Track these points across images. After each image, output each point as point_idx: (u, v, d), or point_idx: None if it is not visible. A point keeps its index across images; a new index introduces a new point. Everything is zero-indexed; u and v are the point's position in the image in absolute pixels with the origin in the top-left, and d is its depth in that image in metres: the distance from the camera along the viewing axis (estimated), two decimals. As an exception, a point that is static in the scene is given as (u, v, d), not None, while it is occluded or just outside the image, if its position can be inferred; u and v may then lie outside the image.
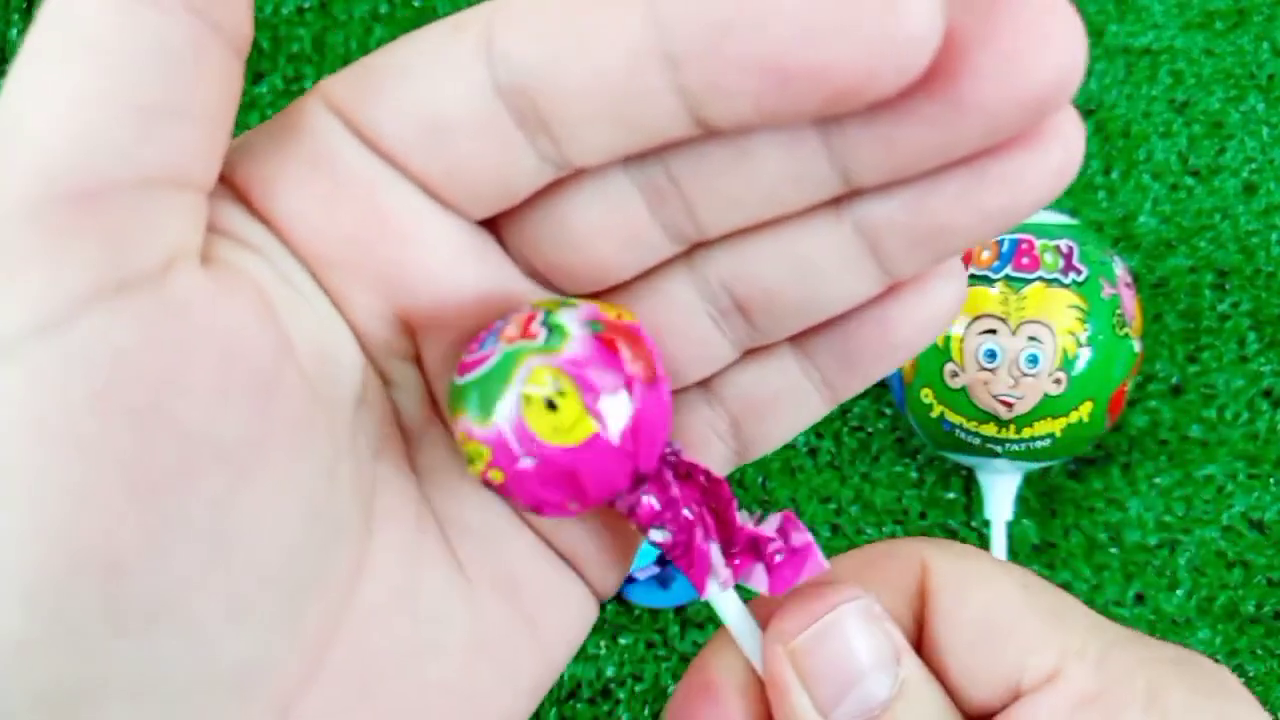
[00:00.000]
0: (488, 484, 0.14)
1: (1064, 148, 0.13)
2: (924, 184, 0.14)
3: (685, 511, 0.15)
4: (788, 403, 0.17)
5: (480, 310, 0.15)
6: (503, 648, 0.16)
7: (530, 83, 0.13)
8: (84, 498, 0.11)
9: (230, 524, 0.12)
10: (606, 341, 0.14)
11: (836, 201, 0.14)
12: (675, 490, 0.15)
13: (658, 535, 0.15)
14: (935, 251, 0.14)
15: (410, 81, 0.14)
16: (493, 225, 0.15)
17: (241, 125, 0.42)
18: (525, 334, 0.14)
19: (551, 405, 0.13)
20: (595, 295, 0.16)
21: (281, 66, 0.43)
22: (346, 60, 0.43)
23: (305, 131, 0.14)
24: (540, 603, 0.16)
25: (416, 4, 0.44)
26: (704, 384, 0.17)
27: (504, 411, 0.14)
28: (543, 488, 0.14)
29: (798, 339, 0.16)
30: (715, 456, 0.17)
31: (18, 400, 0.11)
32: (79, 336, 0.11)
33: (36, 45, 0.12)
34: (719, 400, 0.17)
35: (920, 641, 0.16)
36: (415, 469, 0.16)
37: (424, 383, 0.16)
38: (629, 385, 0.14)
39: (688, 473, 0.15)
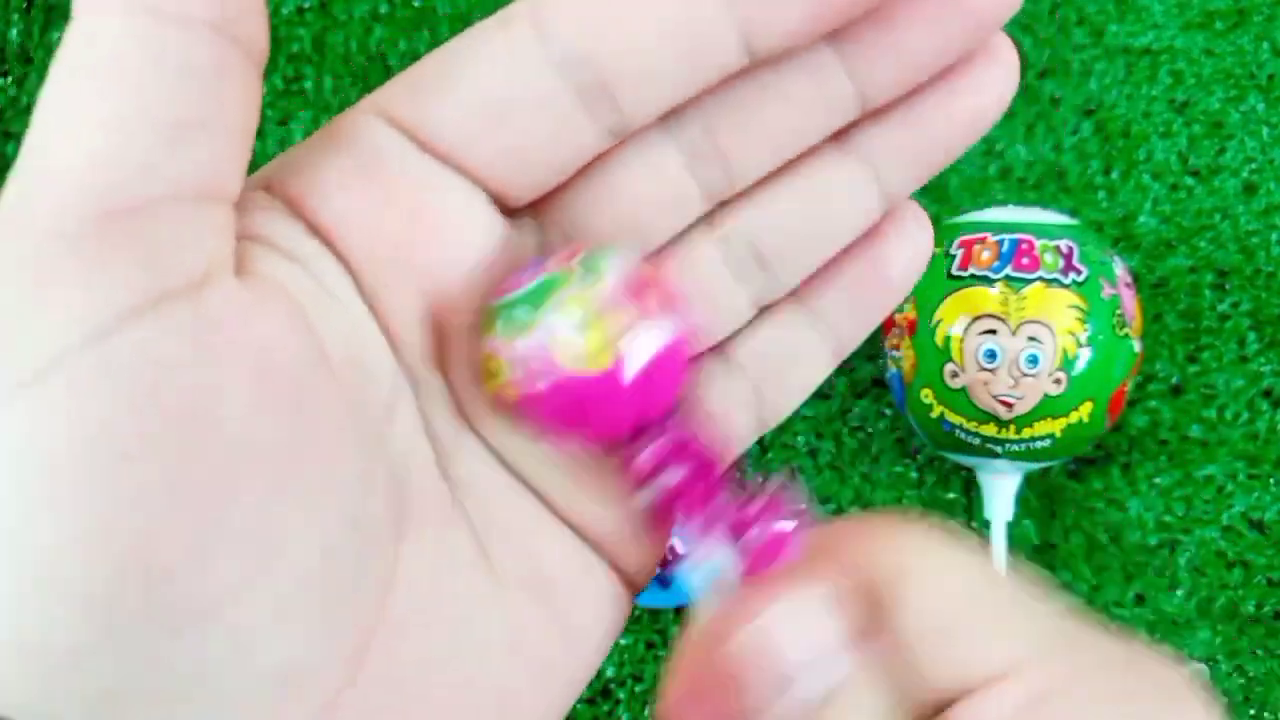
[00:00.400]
0: (501, 401, 0.15)
1: (1005, 60, 0.16)
2: (912, 102, 0.16)
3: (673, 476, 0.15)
4: (801, 361, 0.18)
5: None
6: (537, 648, 0.16)
7: (589, 47, 0.14)
8: (129, 504, 0.11)
9: (272, 528, 0.13)
10: (639, 286, 0.14)
11: (839, 137, 0.16)
12: (668, 452, 0.15)
13: (644, 496, 0.15)
14: (924, 167, 0.17)
15: (464, 74, 0.14)
16: (533, 205, 0.16)
17: (241, 125, 0.42)
18: (565, 267, 0.15)
19: (577, 333, 0.14)
20: None
21: (281, 66, 0.43)
22: (347, 60, 0.43)
23: (355, 139, 0.15)
24: (573, 601, 0.16)
25: (416, 4, 0.44)
26: (721, 352, 0.18)
27: (531, 333, 0.14)
28: (552, 412, 0.15)
29: (802, 295, 0.18)
30: (740, 429, 0.18)
31: (63, 411, 0.11)
32: (121, 349, 0.11)
33: (64, 67, 0.12)
34: (739, 367, 0.18)
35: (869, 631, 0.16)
36: (445, 474, 0.16)
37: (449, 388, 0.16)
38: (652, 330, 0.14)
39: (689, 447, 0.15)
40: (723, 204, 0.17)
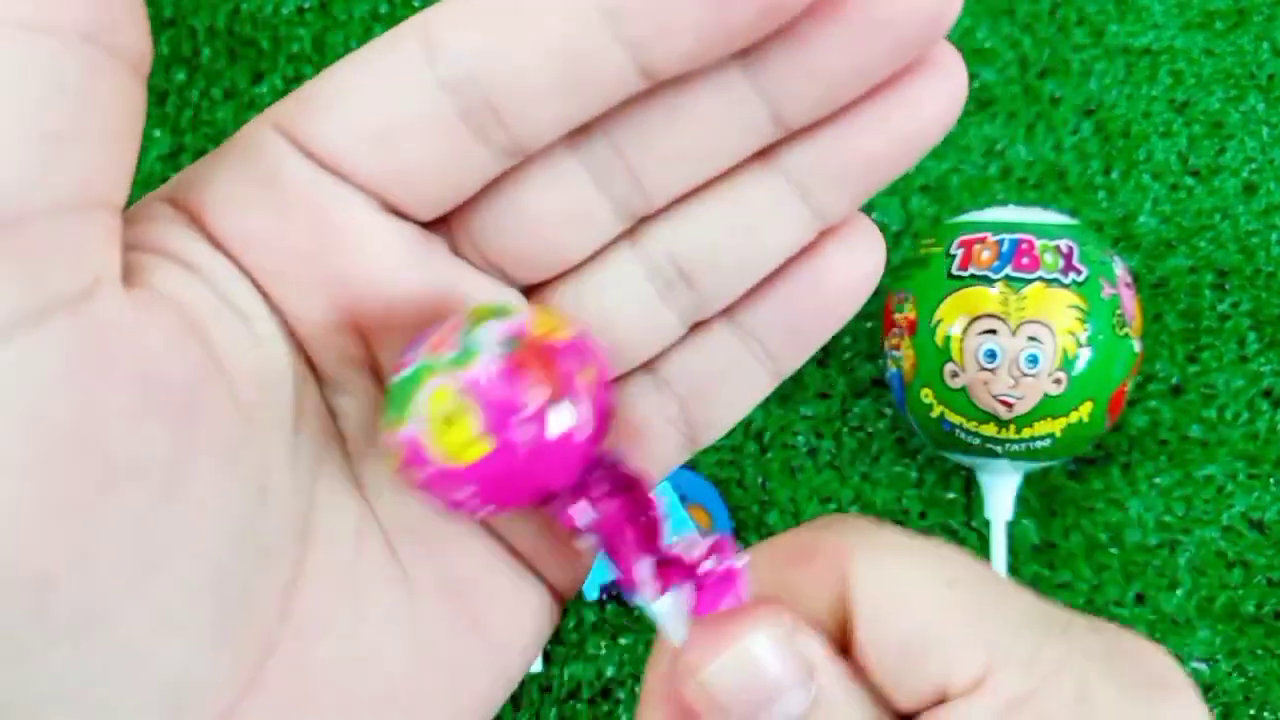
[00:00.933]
0: (402, 482, 0.15)
1: (950, 75, 0.15)
2: (841, 120, 0.15)
3: (606, 517, 0.15)
4: (733, 380, 0.17)
5: (431, 313, 0.15)
6: (451, 653, 0.16)
7: (477, 71, 0.14)
8: (9, 514, 0.11)
9: (155, 539, 0.13)
10: (515, 364, 0.14)
11: (765, 155, 0.16)
12: (598, 502, 0.15)
13: (584, 542, 0.15)
14: (858, 186, 0.16)
15: (355, 93, 0.14)
16: (443, 221, 0.16)
17: (242, 124, 0.42)
18: (440, 347, 0.14)
19: (448, 423, 0.14)
20: (546, 283, 0.16)
21: (281, 66, 0.43)
22: (346, 60, 0.43)
23: (253, 152, 0.15)
24: (492, 606, 0.16)
25: (416, 4, 0.44)
26: (651, 369, 0.17)
27: (404, 426, 0.14)
28: (447, 494, 0.14)
29: (736, 314, 0.17)
30: (669, 444, 0.18)
31: None
32: (6, 365, 0.11)
33: None
34: (666, 385, 0.17)
35: (847, 643, 0.16)
36: (361, 476, 0.16)
37: (375, 388, 0.16)
38: (527, 410, 0.14)
39: (621, 484, 0.15)
40: (644, 220, 0.16)
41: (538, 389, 0.14)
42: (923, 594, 0.15)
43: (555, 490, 0.15)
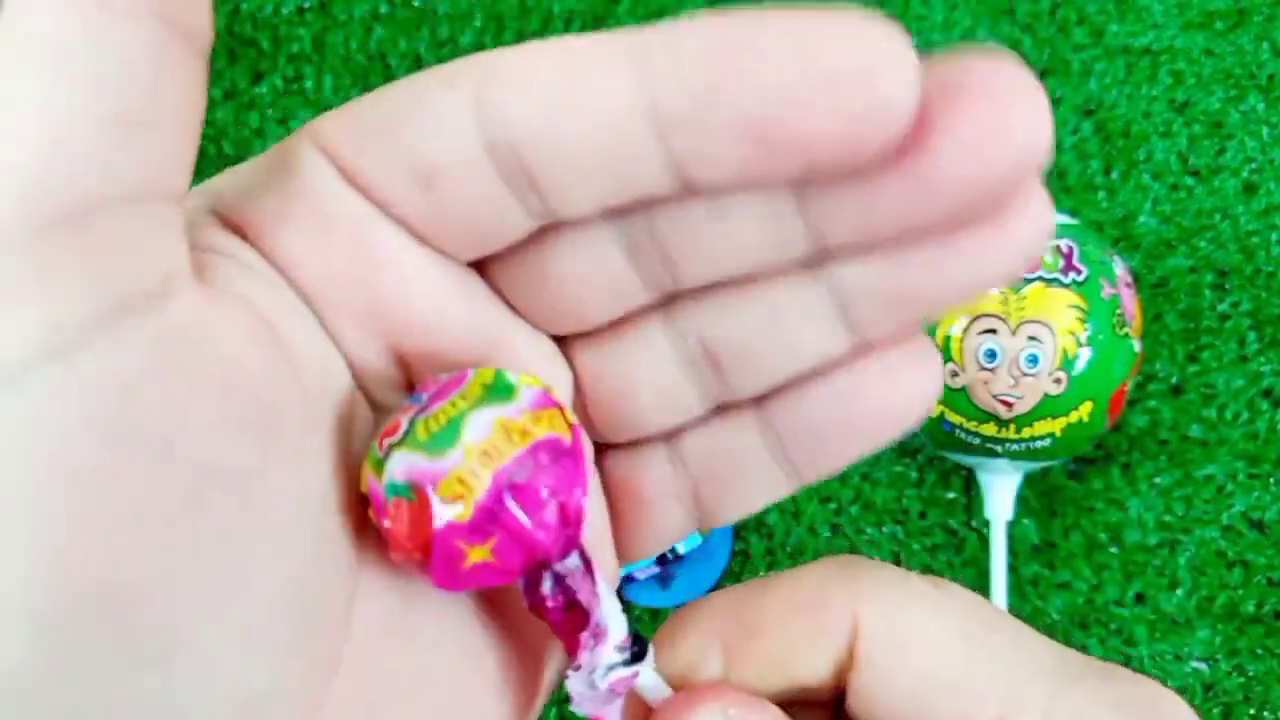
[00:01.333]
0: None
1: (1031, 224, 0.14)
2: (894, 253, 0.14)
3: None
4: (749, 475, 0.17)
5: (471, 346, 0.15)
6: (496, 664, 0.16)
7: (520, 141, 0.13)
8: (94, 528, 0.11)
9: (241, 553, 0.12)
10: (509, 438, 0.14)
11: (811, 263, 0.15)
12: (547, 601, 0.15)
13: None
14: (903, 318, 0.15)
15: (400, 128, 0.14)
16: (479, 266, 0.15)
17: (242, 124, 0.42)
18: (431, 408, 0.14)
19: (435, 486, 0.13)
20: (574, 335, 0.16)
21: (281, 66, 0.43)
22: (347, 60, 0.43)
23: (296, 173, 0.14)
24: (528, 619, 0.16)
25: (416, 4, 0.44)
26: (670, 440, 0.17)
27: (372, 491, 0.14)
28: (434, 573, 0.14)
29: (764, 409, 0.16)
30: (673, 520, 0.17)
31: (23, 431, 0.11)
32: (84, 366, 0.11)
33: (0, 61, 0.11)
34: (681, 460, 0.17)
35: (848, 695, 0.15)
36: None
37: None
38: (516, 480, 0.14)
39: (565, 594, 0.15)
40: (678, 297, 0.16)
41: (524, 466, 0.14)
42: (935, 640, 0.15)
43: (545, 562, 0.14)
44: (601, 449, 0.17)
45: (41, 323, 0.11)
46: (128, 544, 0.11)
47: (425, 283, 0.15)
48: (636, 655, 0.16)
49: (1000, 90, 0.12)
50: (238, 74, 0.43)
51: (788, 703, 0.16)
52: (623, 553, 0.18)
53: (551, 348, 0.16)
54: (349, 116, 0.14)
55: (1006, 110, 0.12)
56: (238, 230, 0.14)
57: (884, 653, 0.15)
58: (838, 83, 0.12)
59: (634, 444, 0.17)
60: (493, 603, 0.16)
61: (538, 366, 0.16)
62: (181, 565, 0.12)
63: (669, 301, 0.16)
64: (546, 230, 0.15)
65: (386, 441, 0.14)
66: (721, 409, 0.16)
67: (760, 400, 0.16)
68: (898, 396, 0.16)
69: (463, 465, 0.13)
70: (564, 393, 0.16)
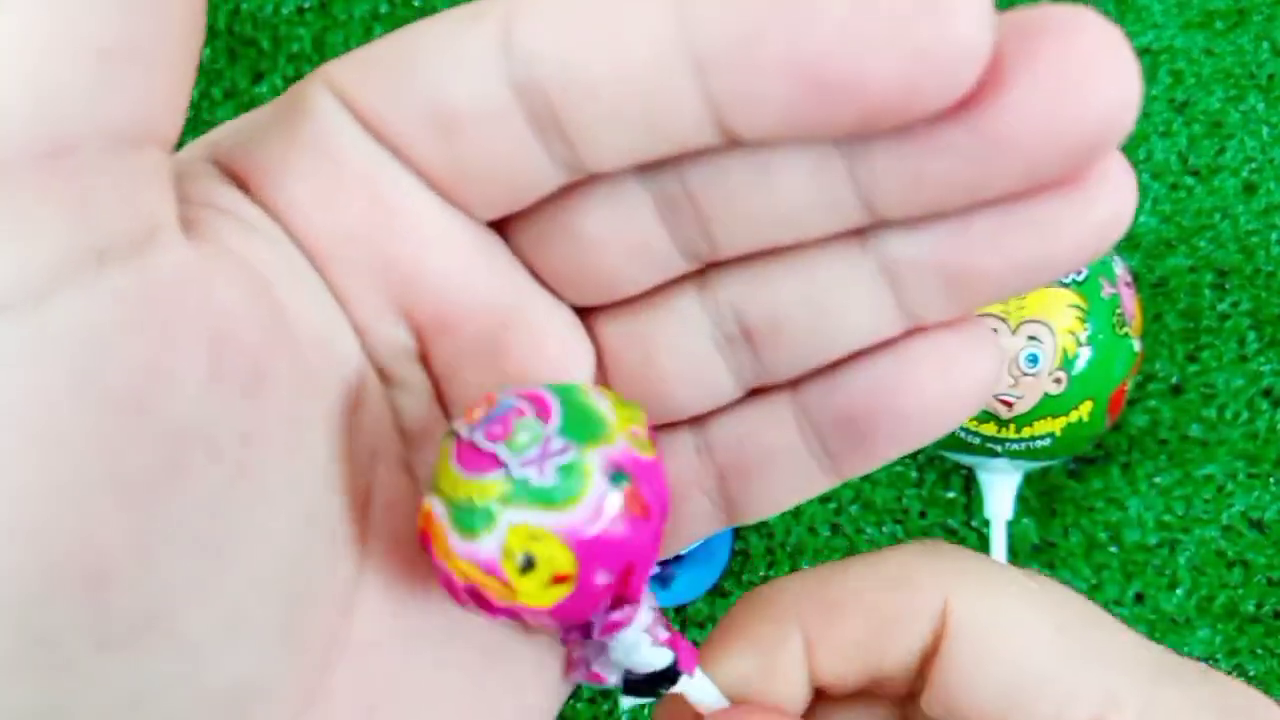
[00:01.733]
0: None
1: (1111, 198, 0.12)
2: (952, 223, 0.13)
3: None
4: (782, 466, 0.15)
5: (488, 312, 0.14)
6: (507, 663, 0.15)
7: (548, 79, 0.12)
8: (65, 497, 0.10)
9: (225, 527, 0.11)
10: (622, 508, 0.12)
11: (860, 232, 0.13)
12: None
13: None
14: (960, 298, 0.13)
15: (419, 69, 0.12)
16: (499, 227, 0.14)
17: (242, 125, 0.42)
18: (537, 464, 0.12)
19: (528, 567, 0.12)
20: (600, 308, 0.15)
21: (281, 66, 0.43)
22: (347, 60, 0.43)
23: (306, 116, 0.13)
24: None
25: (416, 4, 0.44)
26: (697, 424, 0.15)
27: (480, 548, 0.12)
28: (502, 615, 0.13)
29: (801, 394, 0.15)
30: (699, 514, 0.16)
31: None
32: (55, 316, 0.10)
33: None
34: (708, 449, 0.15)
35: (928, 689, 0.15)
36: (414, 473, 0.15)
37: (431, 383, 0.15)
38: (629, 548, 0.12)
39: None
40: (713, 266, 0.14)
41: (640, 527, 0.12)
42: (1029, 632, 0.14)
43: (619, 601, 0.13)
44: None
45: (9, 269, 0.10)
46: (98, 512, 0.10)
47: (443, 241, 0.13)
48: (668, 676, 0.14)
49: (1086, 38, 0.11)
50: (238, 74, 0.43)
51: (853, 701, 0.15)
52: None
53: (572, 318, 0.15)
54: (365, 58, 0.13)
55: (1092, 60, 0.11)
56: (240, 181, 0.13)
57: (974, 640, 0.14)
58: (901, 14, 0.10)
59: (657, 429, 0.15)
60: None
61: (558, 337, 0.14)
62: (159, 539, 0.11)
63: (703, 272, 0.14)
64: (574, 187, 0.13)
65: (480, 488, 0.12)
66: (755, 393, 0.15)
67: (797, 384, 0.15)
68: (951, 385, 0.14)
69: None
70: (585, 370, 0.15)
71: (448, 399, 0.15)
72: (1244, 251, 0.41)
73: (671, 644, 0.14)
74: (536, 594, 0.12)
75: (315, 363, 0.13)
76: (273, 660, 0.12)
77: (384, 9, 0.44)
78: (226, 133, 0.14)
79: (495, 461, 0.12)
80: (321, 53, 0.43)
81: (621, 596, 0.13)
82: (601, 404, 0.13)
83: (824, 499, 0.40)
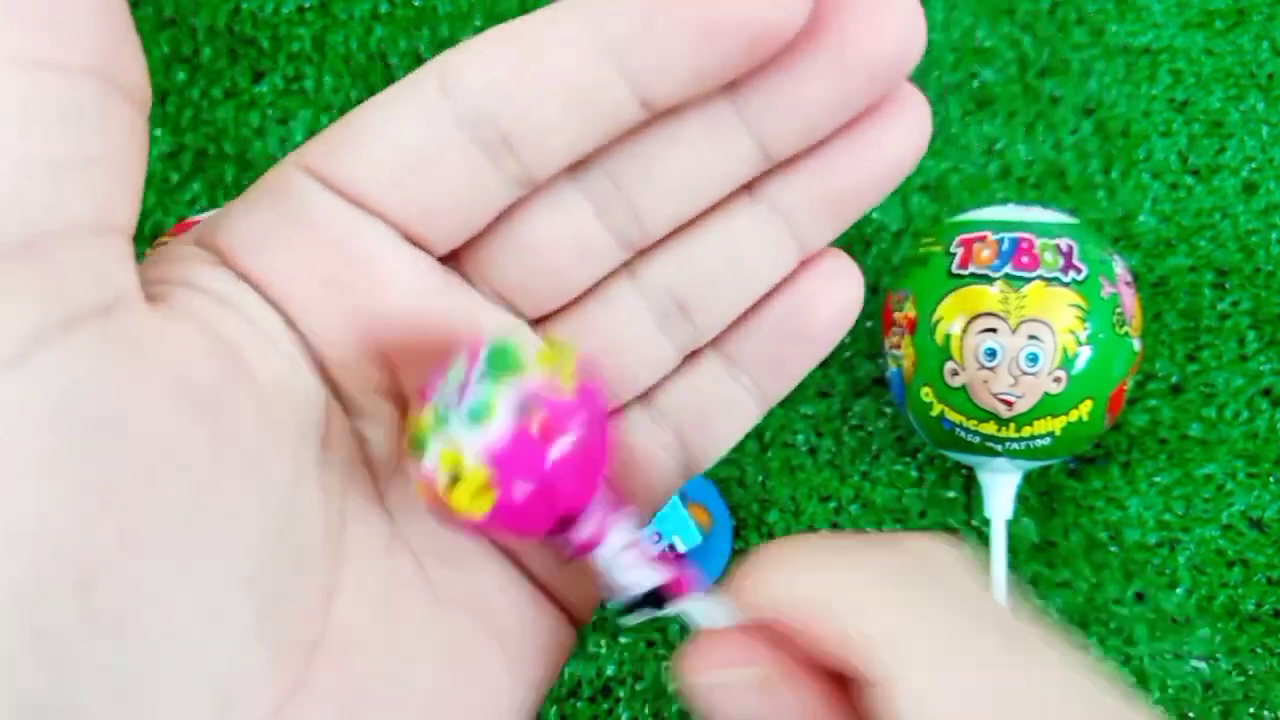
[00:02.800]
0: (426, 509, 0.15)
1: (915, 111, 0.16)
2: (820, 154, 0.16)
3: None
4: (724, 410, 0.18)
5: (451, 341, 0.16)
6: (478, 666, 0.16)
7: (491, 105, 0.15)
8: (53, 504, 0.11)
9: (198, 529, 0.13)
10: (526, 429, 0.14)
11: (750, 189, 0.17)
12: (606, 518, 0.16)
13: (596, 562, 0.16)
14: (837, 216, 0.17)
15: (377, 130, 0.15)
16: (456, 259, 0.17)
17: (242, 124, 0.42)
18: (462, 390, 0.15)
19: (456, 480, 0.14)
20: (550, 315, 0.17)
21: (281, 66, 0.43)
22: (347, 59, 0.43)
23: (280, 192, 0.15)
24: (512, 625, 0.17)
25: (417, 3, 0.44)
26: (647, 401, 0.18)
27: (419, 468, 0.15)
28: (462, 528, 0.15)
29: (724, 346, 0.18)
30: (666, 471, 0.18)
31: None
32: (33, 369, 0.12)
33: None
34: (662, 416, 0.18)
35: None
36: (387, 502, 0.16)
37: (400, 418, 0.16)
38: (535, 470, 0.14)
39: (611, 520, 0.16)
40: (641, 254, 0.17)
41: (546, 448, 0.15)
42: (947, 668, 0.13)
43: (569, 515, 0.15)
44: None
45: None
46: (86, 516, 0.12)
47: (406, 282, 0.16)
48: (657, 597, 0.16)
49: None
50: (238, 73, 0.43)
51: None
52: None
53: (526, 332, 0.17)
54: (327, 136, 0.16)
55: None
56: (223, 255, 0.15)
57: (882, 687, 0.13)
58: None
59: (614, 412, 0.18)
60: (482, 611, 0.16)
61: None
62: (139, 539, 0.12)
63: (633, 262, 0.17)
64: (520, 204, 0.16)
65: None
66: (687, 359, 0.18)
67: (719, 342, 0.18)
68: (837, 303, 0.18)
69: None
70: None
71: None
72: (1244, 251, 0.41)
73: (663, 566, 0.16)
74: (468, 503, 0.15)
75: (275, 403, 0.14)
76: (253, 652, 0.13)
77: (384, 9, 0.44)
78: (215, 218, 0.16)
79: (432, 396, 0.15)
80: (321, 52, 0.43)
81: (569, 515, 0.15)
82: (525, 350, 0.15)
83: (824, 498, 0.40)
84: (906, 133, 0.16)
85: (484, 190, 0.15)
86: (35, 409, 0.12)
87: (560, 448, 0.15)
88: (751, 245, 0.17)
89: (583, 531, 0.15)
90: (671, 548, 0.38)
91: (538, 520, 0.15)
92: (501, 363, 0.15)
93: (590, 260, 0.17)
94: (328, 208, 0.15)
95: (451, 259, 0.17)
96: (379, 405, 0.16)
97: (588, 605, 0.18)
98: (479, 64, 0.15)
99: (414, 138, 0.15)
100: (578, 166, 0.16)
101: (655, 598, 0.16)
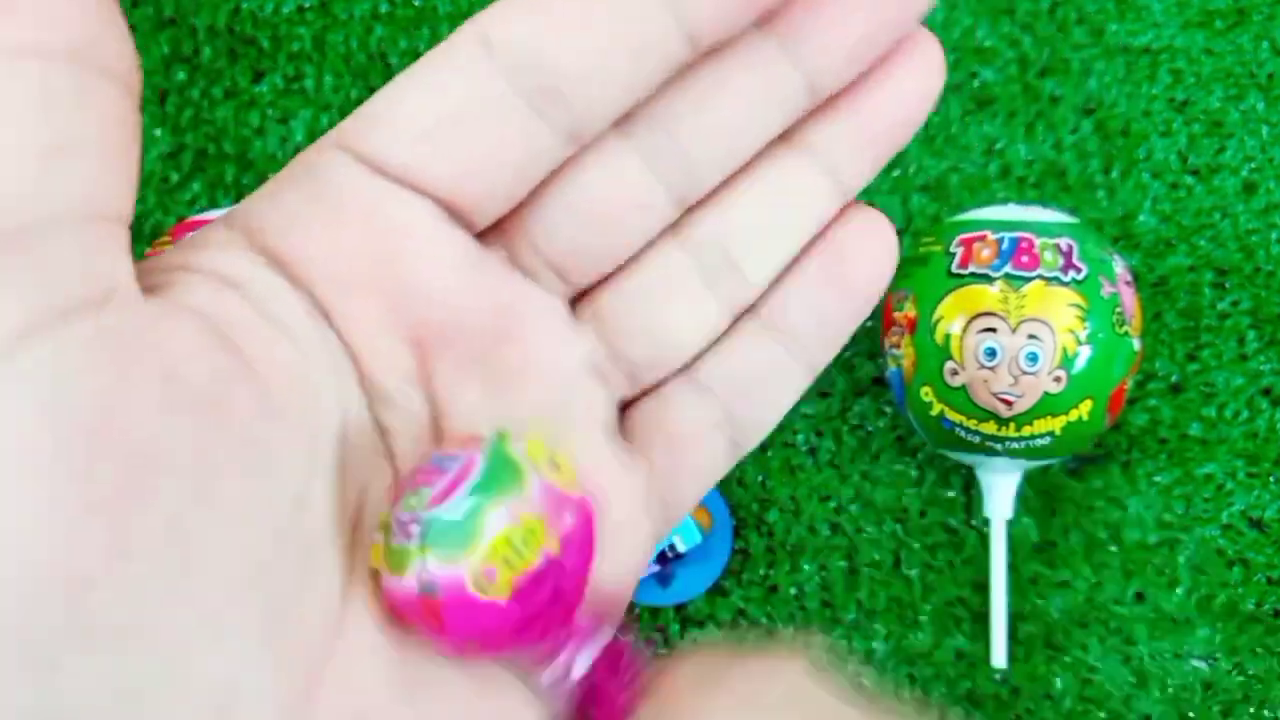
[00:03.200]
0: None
1: (930, 51, 0.17)
2: (854, 95, 0.17)
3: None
4: (772, 377, 0.18)
5: (487, 326, 0.15)
6: (499, 686, 0.15)
7: (536, 54, 0.14)
8: (42, 511, 0.11)
9: (192, 535, 0.12)
10: (478, 592, 0.14)
11: (787, 137, 0.17)
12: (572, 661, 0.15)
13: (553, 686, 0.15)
14: (874, 156, 0.17)
15: (415, 97, 0.15)
16: (500, 229, 0.16)
17: (243, 124, 0.42)
18: (403, 529, 0.14)
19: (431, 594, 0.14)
20: (594, 287, 0.17)
21: (282, 65, 0.43)
22: (347, 59, 0.43)
23: (313, 169, 0.15)
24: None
25: (417, 3, 0.44)
26: (690, 375, 0.18)
27: (392, 580, 0.14)
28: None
29: (766, 312, 0.18)
30: (715, 450, 0.18)
31: None
32: (21, 365, 0.11)
33: None
34: (708, 390, 0.18)
35: None
36: None
37: (428, 406, 0.16)
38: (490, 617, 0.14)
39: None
40: (688, 211, 0.17)
41: (505, 588, 0.14)
42: None
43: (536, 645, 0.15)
44: (626, 406, 0.17)
45: None
46: (75, 527, 0.11)
47: (441, 258, 0.15)
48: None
49: None
50: (238, 73, 0.43)
51: None
52: (677, 501, 0.18)
53: (566, 314, 0.16)
54: (362, 110, 0.15)
55: None
56: (252, 236, 0.15)
57: None
58: None
59: (658, 386, 0.18)
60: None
61: (551, 340, 0.16)
62: (131, 547, 0.12)
63: (679, 222, 0.17)
64: (569, 164, 0.16)
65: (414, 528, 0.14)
66: (728, 329, 0.18)
67: (758, 306, 0.18)
68: (876, 257, 0.18)
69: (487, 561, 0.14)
70: (581, 362, 0.16)
71: (448, 418, 0.16)
72: (1244, 251, 0.41)
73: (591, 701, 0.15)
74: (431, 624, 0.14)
75: (282, 395, 0.14)
76: (254, 663, 0.13)
77: (384, 8, 0.44)
78: (247, 200, 0.15)
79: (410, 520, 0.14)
80: (322, 52, 0.43)
81: (530, 647, 0.14)
82: (495, 521, 0.14)
83: (824, 498, 0.40)
84: (927, 70, 0.17)
85: (534, 148, 0.15)
86: (20, 408, 0.11)
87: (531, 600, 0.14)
88: (795, 191, 0.17)
89: (546, 659, 0.15)
90: (672, 548, 0.38)
91: (501, 645, 0.15)
92: (454, 535, 0.14)
93: (643, 216, 0.16)
94: (359, 184, 0.15)
95: (497, 229, 0.16)
96: (409, 393, 0.15)
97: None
98: (517, 18, 0.15)
99: (456, 100, 0.15)
100: (624, 120, 0.16)
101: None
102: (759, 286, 0.17)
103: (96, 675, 0.11)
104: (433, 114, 0.15)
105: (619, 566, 0.16)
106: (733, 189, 0.17)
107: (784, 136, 0.17)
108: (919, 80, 0.17)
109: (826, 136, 0.17)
